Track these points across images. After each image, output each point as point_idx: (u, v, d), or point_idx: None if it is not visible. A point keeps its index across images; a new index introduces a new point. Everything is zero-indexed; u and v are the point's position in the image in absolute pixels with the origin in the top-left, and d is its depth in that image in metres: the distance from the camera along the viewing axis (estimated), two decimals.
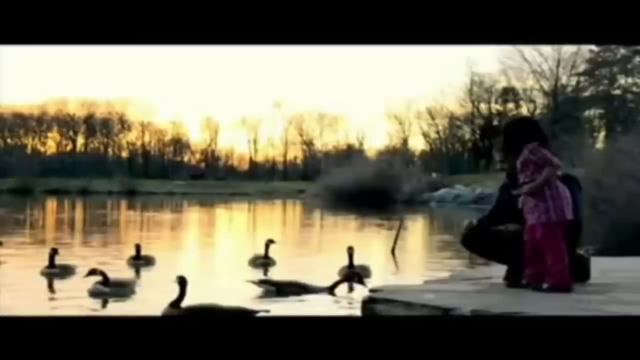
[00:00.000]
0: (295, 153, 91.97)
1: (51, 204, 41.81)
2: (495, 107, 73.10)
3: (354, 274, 8.68)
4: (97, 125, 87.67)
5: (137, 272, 10.10)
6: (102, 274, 7.85)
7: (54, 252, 9.54)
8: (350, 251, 9.71)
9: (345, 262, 9.76)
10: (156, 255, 11.18)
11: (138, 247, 10.66)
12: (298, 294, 8.05)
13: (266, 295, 8.13)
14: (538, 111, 67.00)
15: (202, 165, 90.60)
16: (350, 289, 8.54)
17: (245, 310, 6.43)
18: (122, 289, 7.88)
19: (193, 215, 32.35)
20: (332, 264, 10.29)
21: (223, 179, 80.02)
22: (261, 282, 8.46)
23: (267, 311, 6.40)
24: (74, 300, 7.65)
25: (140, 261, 10.58)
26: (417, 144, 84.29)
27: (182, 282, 6.54)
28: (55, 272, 9.31)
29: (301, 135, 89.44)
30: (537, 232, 5.27)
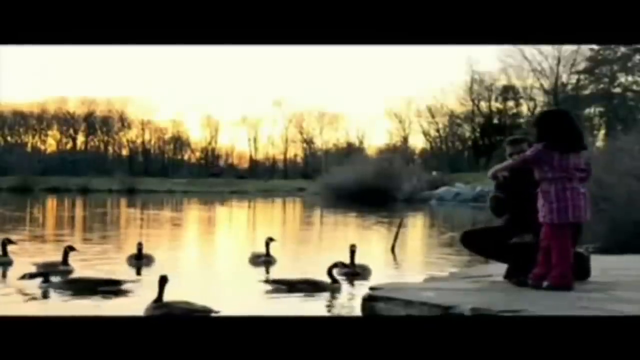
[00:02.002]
0: (296, 151, 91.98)
1: (51, 202, 41.80)
2: (496, 105, 73.06)
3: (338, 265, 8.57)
4: (97, 124, 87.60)
5: (138, 271, 10.10)
6: (41, 274, 8.28)
7: (69, 250, 9.62)
8: (353, 249, 9.64)
9: (345, 259, 9.75)
10: (159, 254, 11.18)
11: (140, 246, 10.64)
12: (309, 291, 8.07)
13: (272, 293, 8.13)
14: (538, 109, 66.89)
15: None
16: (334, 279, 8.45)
17: (195, 309, 6.56)
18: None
19: (194, 213, 32.36)
20: (332, 262, 10.28)
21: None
22: (273, 282, 8.50)
23: (218, 312, 6.50)
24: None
25: (140, 260, 10.56)
26: (418, 143, 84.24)
27: (161, 281, 6.79)
28: (68, 269, 9.37)
29: (301, 134, 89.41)
30: (545, 231, 5.28)
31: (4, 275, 9.52)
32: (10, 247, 10.67)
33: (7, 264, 10.19)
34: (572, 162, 5.27)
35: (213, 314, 6.46)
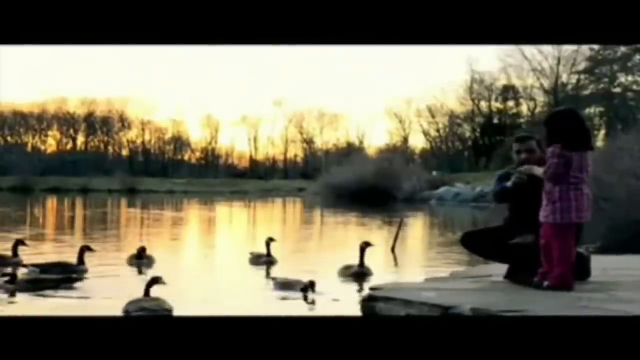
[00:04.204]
0: (296, 151, 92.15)
1: (51, 202, 41.80)
2: (496, 105, 73.14)
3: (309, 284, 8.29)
4: (97, 124, 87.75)
5: (139, 271, 10.10)
6: (4, 275, 8.27)
7: (85, 249, 9.64)
8: (363, 246, 9.49)
9: (346, 260, 9.74)
10: (160, 254, 11.17)
11: (142, 249, 10.60)
12: (279, 288, 8.09)
13: (271, 292, 8.15)
14: (538, 109, 66.95)
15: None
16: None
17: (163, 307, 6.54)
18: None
19: (194, 213, 32.36)
20: (331, 261, 10.29)
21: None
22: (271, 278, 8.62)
23: (170, 311, 6.48)
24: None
25: (141, 260, 10.55)
26: (418, 142, 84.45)
27: (151, 282, 6.81)
28: (84, 269, 9.40)
29: (301, 134, 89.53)
30: (547, 231, 5.27)
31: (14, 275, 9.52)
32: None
33: (17, 264, 10.19)
34: (584, 162, 5.25)
35: (188, 315, 6.45)
